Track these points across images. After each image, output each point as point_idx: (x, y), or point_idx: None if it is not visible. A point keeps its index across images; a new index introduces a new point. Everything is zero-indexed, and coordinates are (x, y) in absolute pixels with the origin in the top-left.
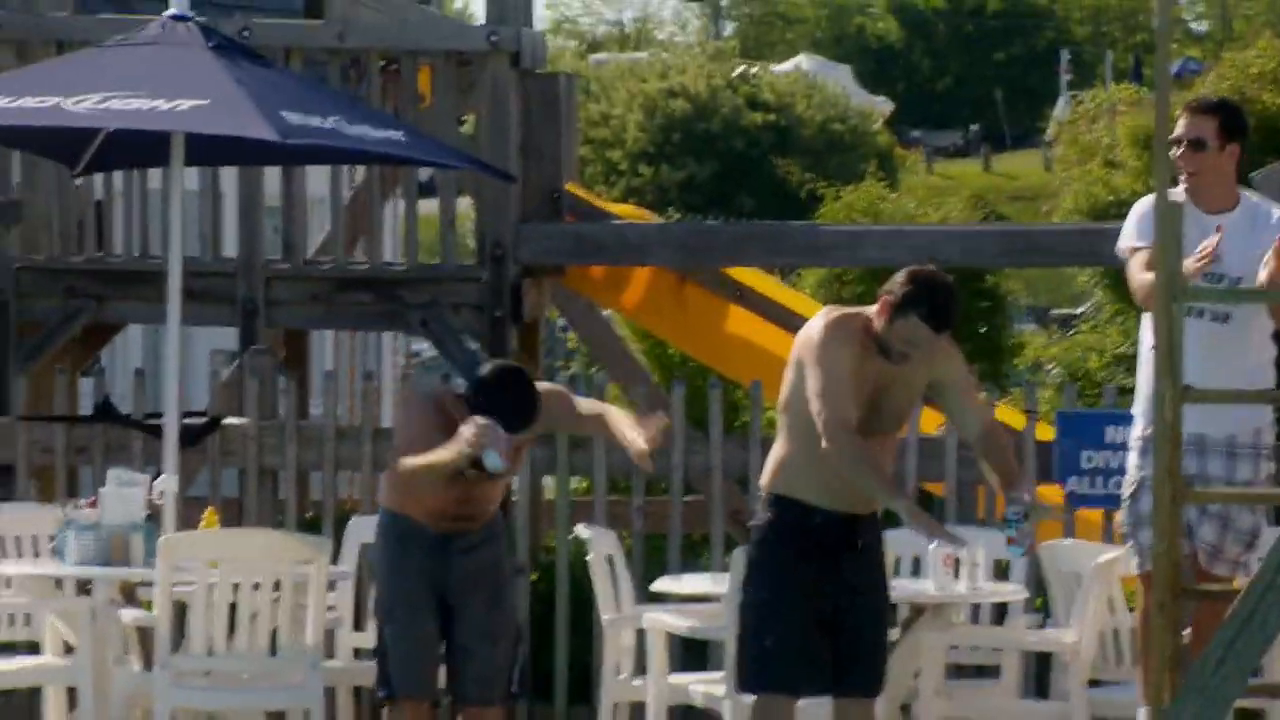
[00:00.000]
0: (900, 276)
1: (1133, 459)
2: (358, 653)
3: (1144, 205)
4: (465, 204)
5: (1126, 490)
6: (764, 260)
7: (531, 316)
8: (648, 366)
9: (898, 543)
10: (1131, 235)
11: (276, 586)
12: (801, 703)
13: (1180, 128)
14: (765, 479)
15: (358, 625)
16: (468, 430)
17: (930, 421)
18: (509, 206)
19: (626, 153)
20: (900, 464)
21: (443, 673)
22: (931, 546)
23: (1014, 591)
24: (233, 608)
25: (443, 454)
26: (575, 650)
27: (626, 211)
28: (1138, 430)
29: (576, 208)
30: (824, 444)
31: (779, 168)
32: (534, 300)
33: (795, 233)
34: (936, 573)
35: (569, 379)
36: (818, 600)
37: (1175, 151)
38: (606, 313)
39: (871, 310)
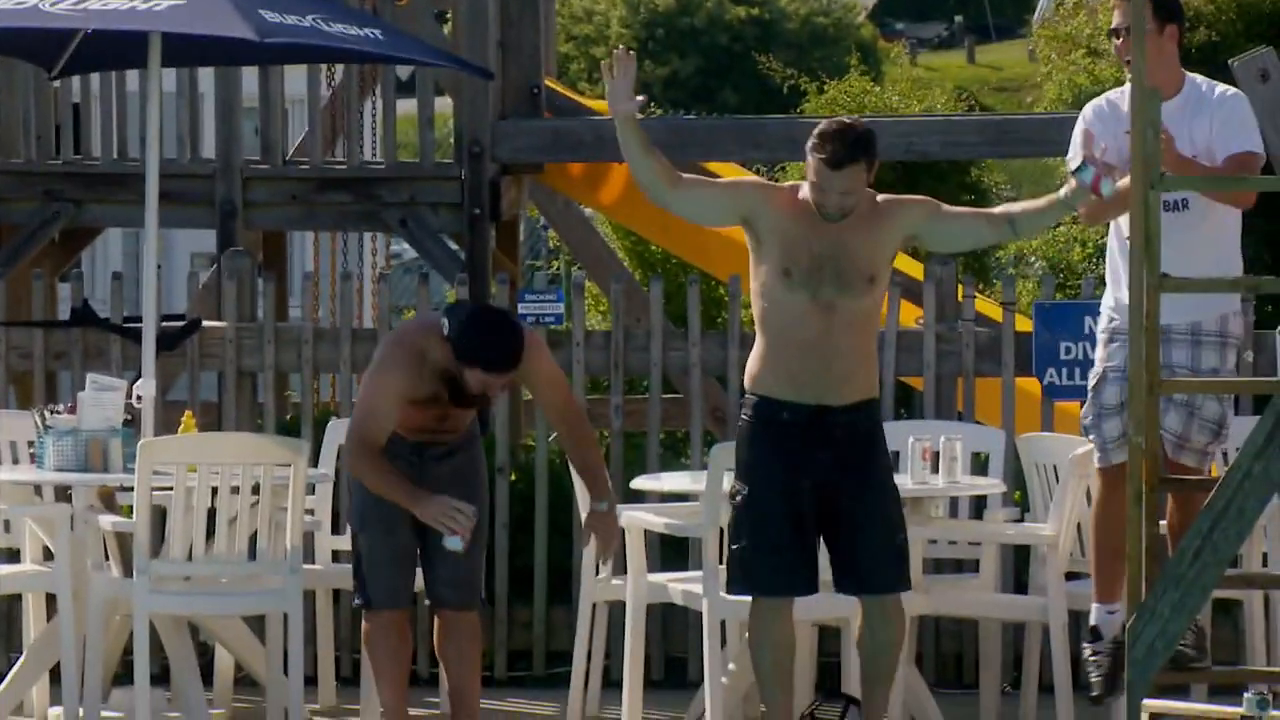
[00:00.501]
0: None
1: (1098, 351)
2: (336, 556)
3: (1089, 114)
4: (444, 103)
5: (1090, 382)
6: (741, 154)
7: (510, 214)
8: (627, 263)
9: None
10: (1070, 155)
11: (255, 490)
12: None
13: (1116, 17)
14: (746, 377)
15: (336, 528)
16: (435, 508)
17: (909, 314)
18: (487, 104)
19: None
20: (879, 357)
21: (419, 578)
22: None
23: (992, 485)
24: (211, 512)
25: (398, 493)
26: (554, 550)
27: (605, 108)
28: (1102, 322)
29: (555, 104)
30: None
31: (762, 63)
32: (512, 198)
33: (772, 126)
34: (914, 467)
35: (549, 278)
36: (795, 497)
37: (1114, 43)
38: (586, 210)
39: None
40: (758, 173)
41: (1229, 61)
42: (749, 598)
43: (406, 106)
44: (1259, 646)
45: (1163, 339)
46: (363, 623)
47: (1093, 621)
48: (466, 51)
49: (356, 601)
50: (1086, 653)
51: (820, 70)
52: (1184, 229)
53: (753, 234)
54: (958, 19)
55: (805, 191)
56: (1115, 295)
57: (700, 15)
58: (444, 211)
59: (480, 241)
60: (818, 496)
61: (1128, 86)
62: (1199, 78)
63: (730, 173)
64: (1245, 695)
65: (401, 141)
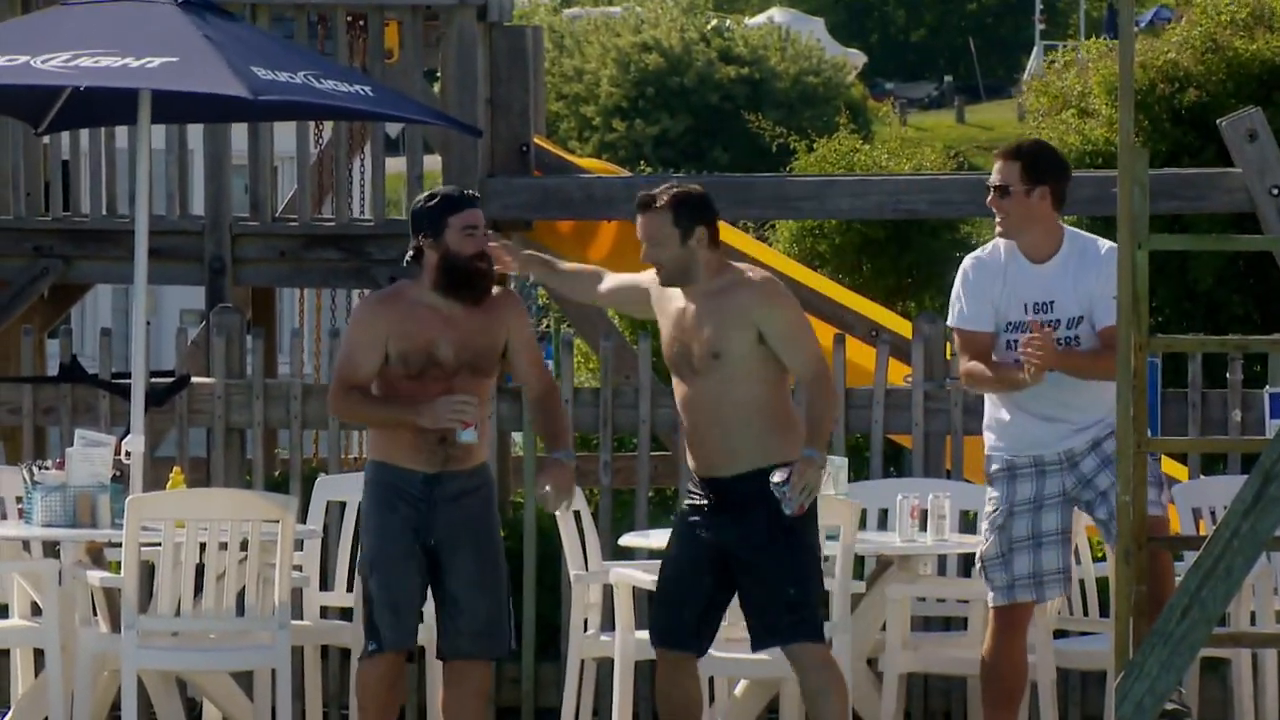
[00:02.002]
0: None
1: (992, 493)
2: (325, 612)
3: (967, 272)
4: (433, 160)
5: (992, 523)
6: (731, 213)
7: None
8: (616, 321)
9: (865, 494)
10: (955, 314)
11: (244, 546)
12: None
13: (994, 175)
14: None
15: (325, 584)
16: (440, 408)
17: (897, 373)
18: (476, 161)
19: (600, 108)
20: (868, 415)
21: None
22: None
23: (980, 543)
24: (200, 568)
25: (394, 412)
26: (542, 606)
27: (594, 165)
28: (992, 467)
29: (544, 162)
30: None
31: (752, 122)
32: None
33: (763, 185)
34: (903, 525)
35: (539, 335)
36: (694, 561)
37: (989, 198)
38: None
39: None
40: (746, 230)
41: (1218, 121)
42: (744, 655)
43: (396, 164)
44: (1247, 706)
45: (1035, 470)
46: (359, 669)
47: None
48: (456, 109)
49: (370, 646)
50: None
51: (810, 129)
52: (1066, 381)
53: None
54: (947, 79)
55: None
56: (998, 434)
57: (690, 75)
58: None
59: None
60: (718, 561)
61: (997, 243)
62: (1079, 234)
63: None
64: None
65: (390, 199)
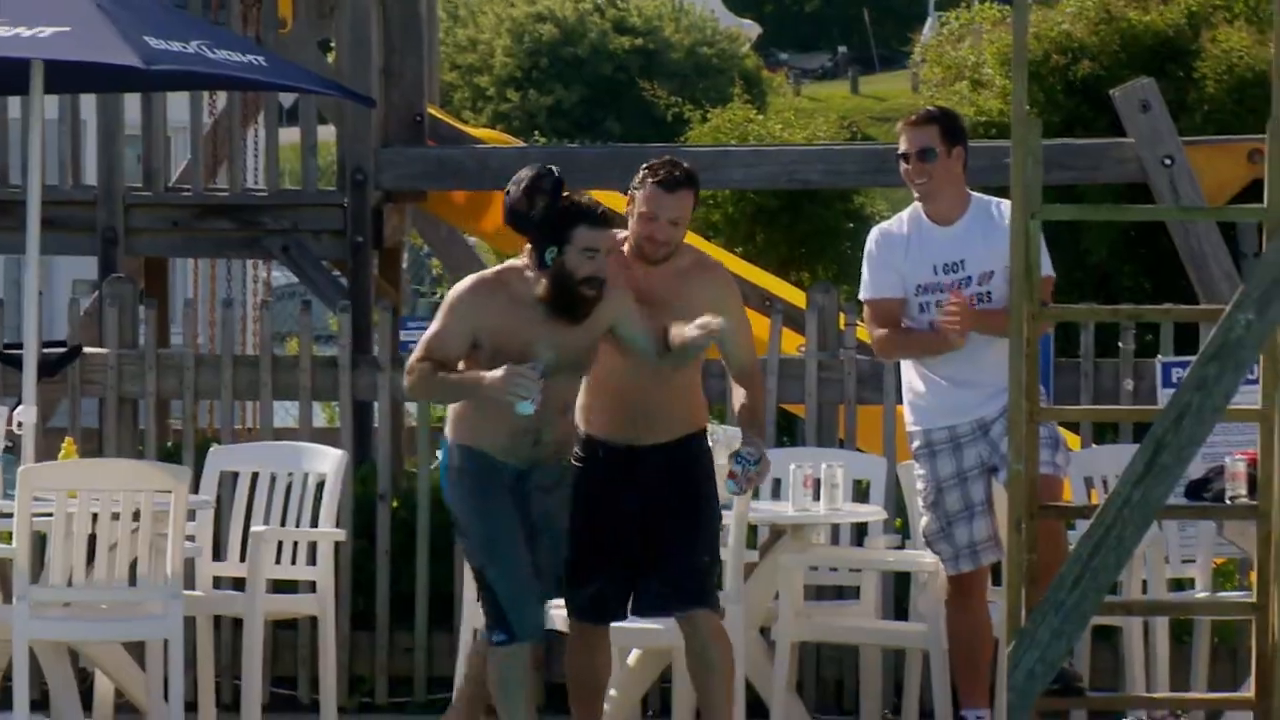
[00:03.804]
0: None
1: (920, 470)
2: (218, 582)
3: (871, 245)
4: (327, 130)
5: (925, 500)
6: (623, 183)
7: (392, 242)
8: None
9: None
10: (863, 285)
11: (136, 516)
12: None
13: (904, 143)
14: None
15: (217, 555)
16: (504, 377)
17: (791, 342)
18: (370, 131)
19: (494, 78)
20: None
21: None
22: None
23: (873, 512)
24: (92, 538)
25: (462, 387)
26: (436, 576)
27: (488, 136)
28: (914, 444)
29: (438, 132)
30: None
31: (646, 90)
32: (395, 225)
33: (655, 155)
34: (795, 494)
35: (433, 305)
36: (608, 528)
37: (904, 167)
38: (470, 238)
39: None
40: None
41: (1110, 92)
42: (622, 623)
43: (290, 134)
44: (1138, 673)
45: (952, 444)
46: (491, 660)
47: (961, 712)
48: (349, 79)
49: (498, 638)
50: None
51: (704, 100)
52: (979, 339)
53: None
54: (841, 50)
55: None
56: (913, 408)
57: (584, 45)
58: (326, 238)
59: (362, 268)
60: (634, 528)
61: (904, 213)
62: (982, 196)
63: (614, 200)
64: None
65: (284, 169)
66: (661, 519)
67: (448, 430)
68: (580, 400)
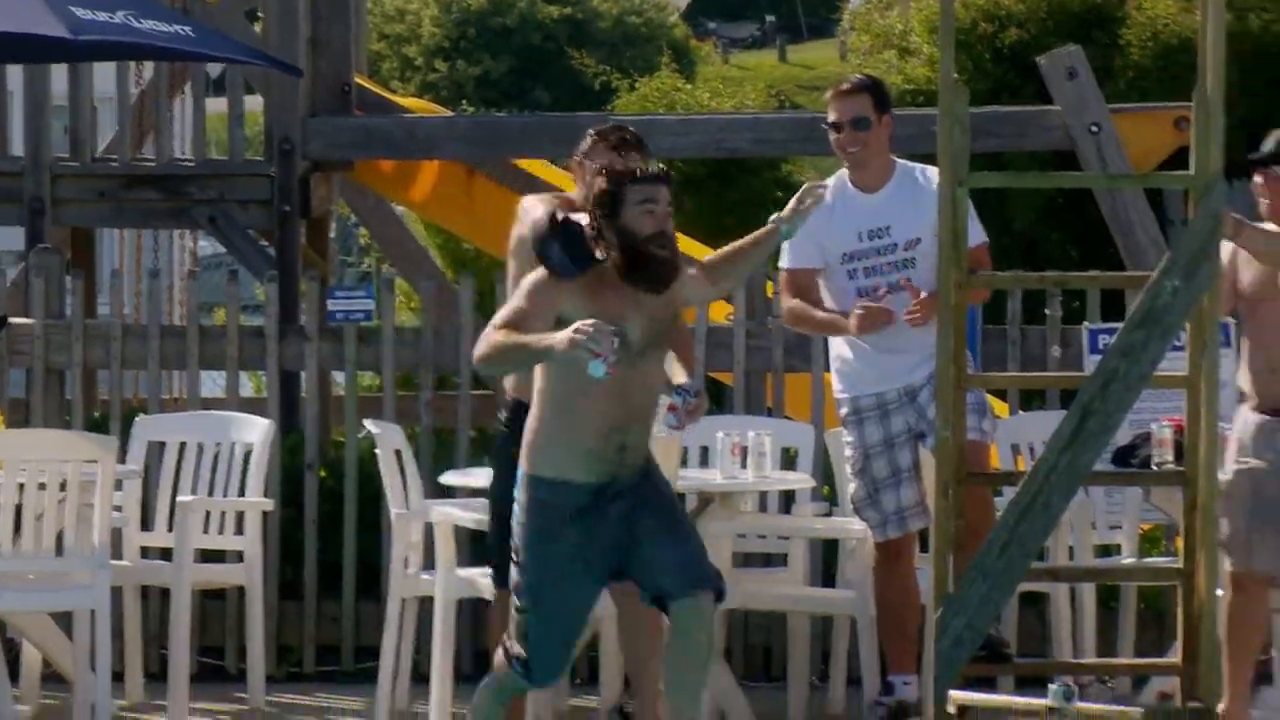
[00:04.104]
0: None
1: (848, 438)
2: (145, 552)
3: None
4: (255, 100)
5: (853, 467)
6: (552, 151)
7: (320, 211)
8: (439, 261)
9: (687, 431)
10: (782, 254)
11: (63, 487)
12: None
13: (836, 112)
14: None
15: (145, 525)
16: (573, 335)
17: (719, 311)
18: (297, 101)
19: (422, 48)
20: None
21: None
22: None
23: (801, 480)
24: (18, 509)
25: (528, 347)
26: (363, 546)
27: (416, 105)
28: (842, 411)
29: (366, 101)
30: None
31: (575, 59)
32: (322, 195)
33: (583, 124)
34: (724, 462)
35: (360, 275)
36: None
37: (835, 136)
38: (398, 208)
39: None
40: (567, 168)
41: (1037, 59)
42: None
43: (217, 104)
44: (1065, 639)
45: (879, 411)
46: (497, 668)
47: (889, 677)
48: (276, 49)
49: (517, 666)
50: (874, 696)
51: (632, 69)
52: (907, 304)
53: None
54: (770, 19)
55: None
56: (841, 376)
57: (512, 15)
58: (253, 208)
59: (290, 238)
60: (609, 562)
61: (829, 181)
62: (906, 163)
63: (540, 169)
64: (1051, 687)
65: (211, 139)
66: (653, 513)
67: (521, 461)
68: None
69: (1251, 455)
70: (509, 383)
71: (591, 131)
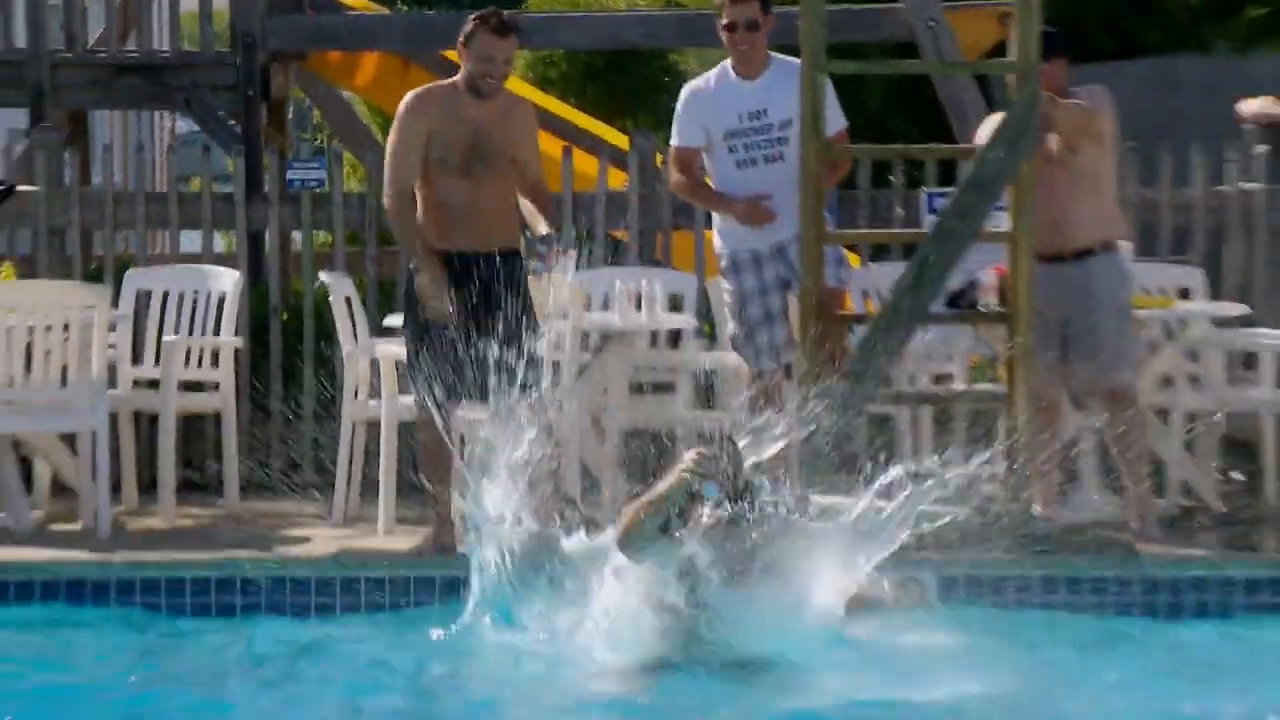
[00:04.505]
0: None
1: (726, 285)
2: (136, 383)
3: (681, 101)
4: (222, 1)
5: (733, 311)
6: None
7: (278, 95)
8: (379, 136)
9: (590, 281)
10: (673, 134)
11: (66, 328)
12: None
13: (731, 16)
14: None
15: (135, 360)
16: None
17: (616, 179)
18: (258, 1)
19: None
20: (589, 215)
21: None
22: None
23: (686, 321)
24: (29, 347)
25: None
26: (320, 377)
27: (360, 4)
28: (722, 264)
29: (316, 2)
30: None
31: None
32: (280, 82)
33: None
34: (621, 305)
35: (314, 149)
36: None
37: (729, 35)
38: (345, 92)
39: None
40: None
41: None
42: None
43: (190, 4)
44: (908, 452)
45: (754, 263)
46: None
47: None
48: None
49: None
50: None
51: None
52: (779, 175)
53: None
54: None
55: (461, 73)
56: (721, 234)
57: None
58: (222, 93)
59: (254, 119)
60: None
61: (712, 72)
62: (781, 56)
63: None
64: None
65: (185, 34)
66: (505, 316)
67: None
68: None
69: None
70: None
71: (472, 18)
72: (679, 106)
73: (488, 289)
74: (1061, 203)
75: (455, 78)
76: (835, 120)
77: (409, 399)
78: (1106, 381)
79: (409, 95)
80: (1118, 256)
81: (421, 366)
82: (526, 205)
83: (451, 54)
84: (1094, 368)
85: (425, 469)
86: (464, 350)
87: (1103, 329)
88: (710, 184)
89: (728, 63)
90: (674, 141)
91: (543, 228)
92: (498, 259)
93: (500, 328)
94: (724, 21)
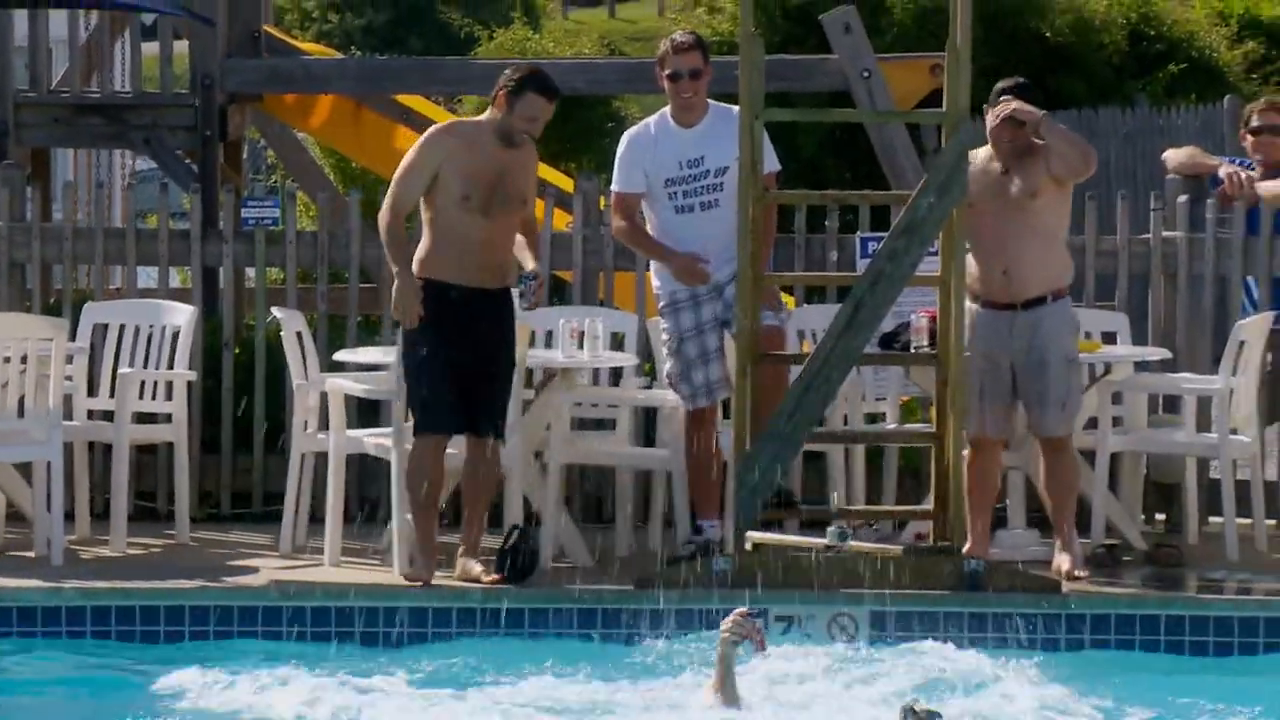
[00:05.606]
0: (507, 73)
1: (665, 324)
2: (91, 414)
3: (622, 146)
4: (182, 44)
5: (669, 348)
6: (424, 88)
7: (235, 136)
8: (331, 177)
9: (536, 319)
10: (614, 179)
11: (24, 360)
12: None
13: (675, 65)
14: (415, 267)
15: (91, 392)
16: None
17: (560, 220)
18: (217, 45)
19: (318, 2)
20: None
21: None
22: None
23: (627, 359)
24: None
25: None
26: (271, 410)
27: (314, 49)
28: (660, 304)
29: (272, 46)
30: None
31: (442, 15)
32: (237, 122)
33: (450, 65)
34: (564, 344)
35: (268, 188)
36: (458, 359)
37: (674, 84)
38: (299, 133)
39: (486, 114)
40: (438, 102)
41: (819, 17)
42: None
43: (151, 47)
44: (840, 490)
45: (692, 303)
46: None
47: (698, 521)
48: (198, 4)
49: None
50: (686, 536)
51: (490, 21)
52: (716, 220)
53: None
54: None
55: (497, 116)
56: (659, 274)
57: None
58: (181, 133)
59: (210, 158)
60: (472, 358)
61: (652, 119)
62: (719, 104)
63: (417, 103)
64: (829, 529)
65: (146, 75)
66: (495, 357)
67: None
68: (437, 251)
69: (980, 342)
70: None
71: (519, 75)
72: (620, 153)
73: (496, 322)
74: (1014, 251)
75: (482, 117)
76: (769, 163)
77: (356, 433)
78: (1048, 428)
79: (435, 127)
80: (1067, 305)
81: (426, 397)
82: (518, 240)
83: (401, 97)
84: (1038, 414)
85: (413, 499)
86: (473, 383)
87: (1050, 376)
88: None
89: (666, 110)
90: (615, 187)
91: (530, 263)
92: (498, 294)
93: (503, 360)
94: (667, 71)
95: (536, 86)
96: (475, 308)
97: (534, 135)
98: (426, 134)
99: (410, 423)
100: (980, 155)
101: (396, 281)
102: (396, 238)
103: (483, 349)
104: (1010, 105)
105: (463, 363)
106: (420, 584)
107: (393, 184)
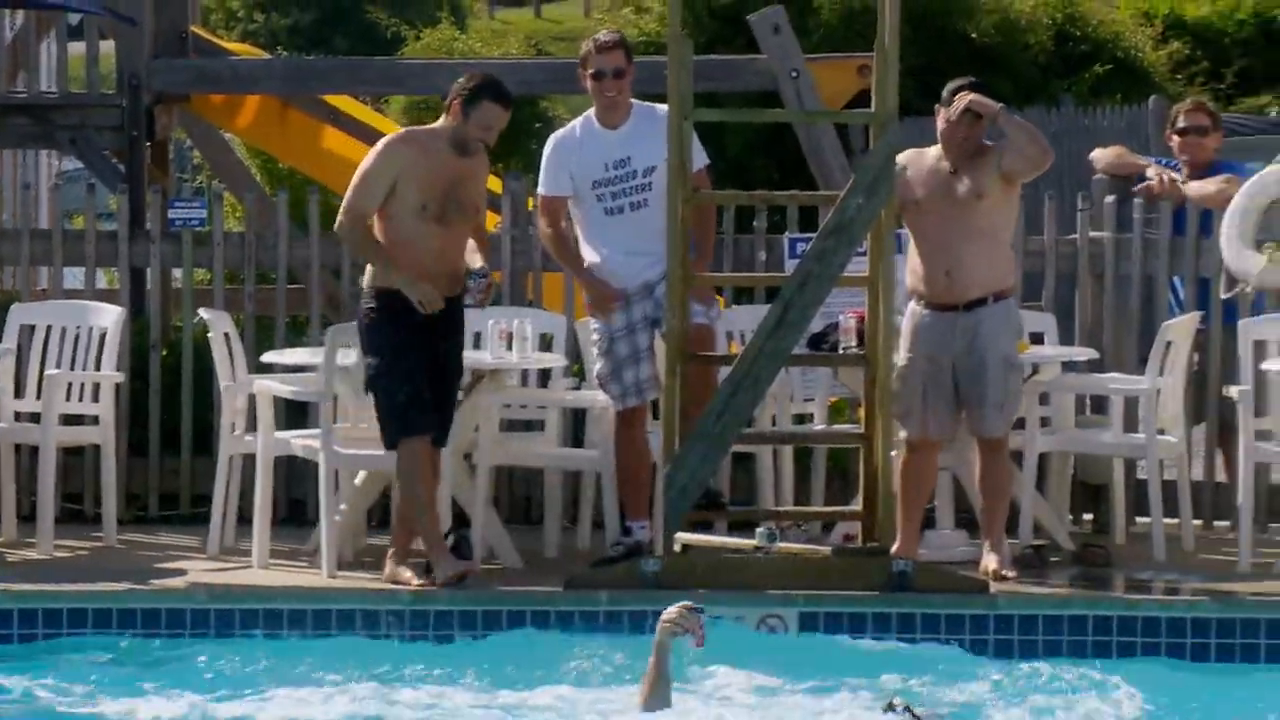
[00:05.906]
0: (461, 81)
1: (594, 324)
2: (18, 416)
3: (548, 149)
4: (109, 44)
5: (600, 349)
6: (351, 88)
7: (162, 136)
8: (259, 177)
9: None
10: (539, 182)
11: None
12: None
13: (598, 65)
14: (368, 278)
15: (18, 393)
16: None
17: (489, 221)
18: (143, 45)
19: (244, 2)
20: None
21: None
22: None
23: (555, 360)
24: None
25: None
26: (198, 411)
27: (240, 49)
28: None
29: (199, 46)
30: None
31: (369, 14)
32: (164, 123)
33: (377, 65)
34: (492, 345)
35: (195, 189)
36: (423, 364)
37: (598, 84)
38: (226, 134)
39: (439, 122)
40: (365, 102)
41: (747, 17)
42: (365, 451)
43: (77, 47)
44: (769, 491)
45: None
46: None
47: (627, 522)
48: (123, 4)
49: None
50: (615, 537)
51: (417, 21)
52: (646, 220)
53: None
54: None
55: (451, 124)
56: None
57: None
58: (108, 133)
59: (138, 158)
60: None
61: (577, 121)
62: (642, 103)
63: (343, 103)
64: (758, 529)
65: (72, 76)
66: (454, 356)
67: None
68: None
69: (923, 344)
70: (367, 279)
71: (474, 83)
72: (545, 155)
73: (451, 331)
74: (958, 252)
75: (436, 125)
76: (698, 158)
77: (284, 434)
78: (987, 429)
79: (393, 135)
80: (1009, 306)
81: (403, 403)
82: (469, 243)
83: (328, 97)
84: (978, 415)
85: (416, 504)
86: (438, 386)
87: (989, 378)
88: (578, 232)
89: (591, 113)
90: (541, 190)
91: (478, 261)
92: (451, 301)
93: (457, 369)
94: (591, 70)
95: (492, 95)
96: (432, 316)
97: (489, 143)
98: (383, 142)
99: (385, 434)
100: (930, 155)
101: (398, 282)
102: (367, 241)
103: (438, 358)
104: (968, 97)
105: (425, 369)
106: (459, 579)
107: (350, 193)
